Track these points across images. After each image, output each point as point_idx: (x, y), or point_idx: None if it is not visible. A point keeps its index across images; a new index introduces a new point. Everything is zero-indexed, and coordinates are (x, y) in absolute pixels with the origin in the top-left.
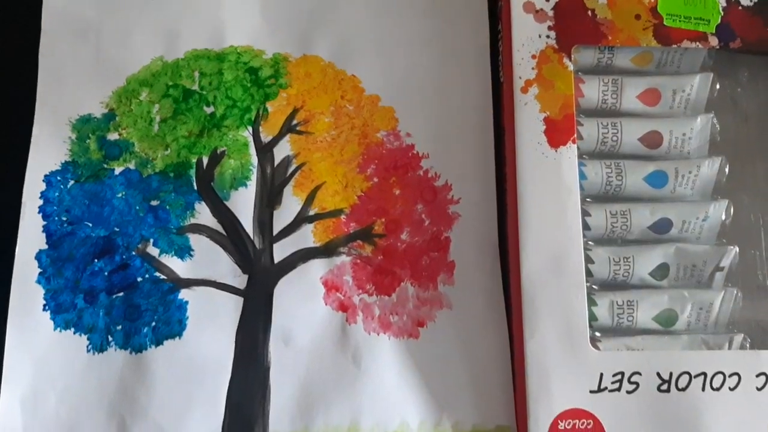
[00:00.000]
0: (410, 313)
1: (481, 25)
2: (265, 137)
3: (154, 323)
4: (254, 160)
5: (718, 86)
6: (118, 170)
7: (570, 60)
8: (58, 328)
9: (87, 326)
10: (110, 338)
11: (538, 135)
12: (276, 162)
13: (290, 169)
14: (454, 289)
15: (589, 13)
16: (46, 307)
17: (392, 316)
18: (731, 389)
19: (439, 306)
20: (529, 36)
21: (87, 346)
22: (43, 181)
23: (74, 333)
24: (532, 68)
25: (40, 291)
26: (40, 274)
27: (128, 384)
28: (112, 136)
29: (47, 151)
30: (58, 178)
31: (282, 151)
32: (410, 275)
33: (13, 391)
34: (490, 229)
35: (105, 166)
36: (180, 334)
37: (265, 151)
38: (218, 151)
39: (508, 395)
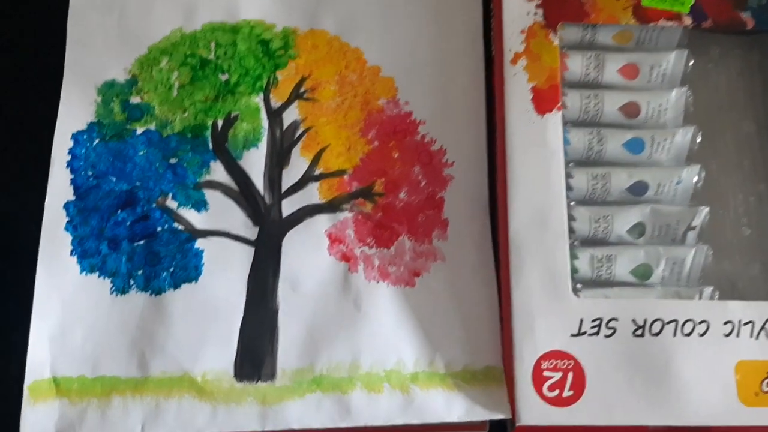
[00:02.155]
0: (407, 264)
1: (475, 2)
2: (275, 103)
3: (172, 269)
4: (265, 123)
5: (692, 62)
6: (139, 131)
7: (556, 35)
8: (84, 272)
9: (110, 270)
10: (131, 282)
11: (526, 103)
12: (285, 126)
13: (298, 133)
14: (447, 244)
15: None
16: (73, 252)
17: (390, 267)
18: (700, 335)
19: (434, 258)
20: (519, 13)
21: (110, 289)
22: (71, 138)
23: (99, 276)
24: (521, 42)
25: (68, 237)
26: (68, 222)
27: (148, 323)
28: (135, 100)
29: (75, 112)
30: (85, 136)
31: (290, 115)
32: (407, 230)
33: (42, 328)
34: (481, 190)
35: (128, 126)
36: (196, 279)
37: (275, 115)
38: (232, 115)
39: (496, 339)
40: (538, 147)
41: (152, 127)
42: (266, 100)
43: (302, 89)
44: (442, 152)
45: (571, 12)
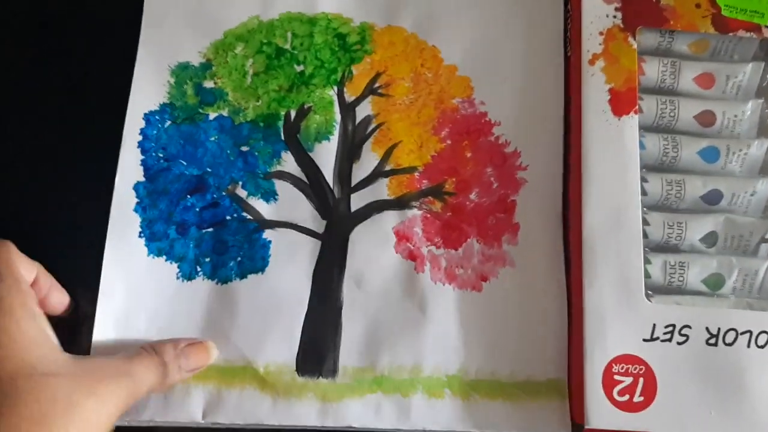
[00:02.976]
0: (475, 268)
1: (557, 4)
2: (349, 97)
3: (239, 258)
4: (338, 117)
5: None
6: (212, 116)
7: (634, 39)
8: (152, 255)
9: (178, 255)
10: (198, 268)
11: (603, 104)
12: (357, 120)
13: (370, 128)
14: (517, 249)
15: None
16: (142, 234)
17: (458, 269)
18: None
19: (503, 263)
20: (597, 15)
21: (177, 274)
22: (143, 119)
23: (166, 260)
24: (599, 44)
25: (137, 219)
26: (137, 203)
27: (213, 311)
28: (208, 84)
29: (147, 93)
30: (157, 117)
31: (363, 110)
32: (476, 233)
33: (107, 309)
34: (555, 195)
35: (200, 110)
36: (263, 270)
37: (348, 109)
38: (305, 107)
39: (562, 351)
40: (614, 149)
41: (225, 113)
42: (340, 94)
43: (376, 85)
44: (517, 155)
45: (651, 17)
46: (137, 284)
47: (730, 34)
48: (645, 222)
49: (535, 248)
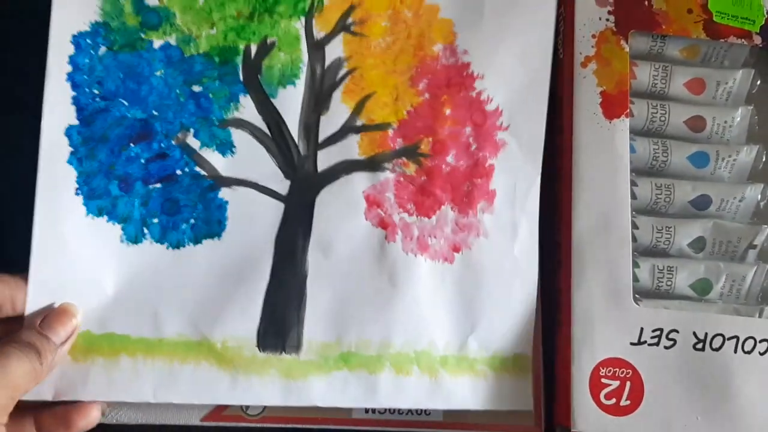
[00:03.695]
0: (447, 238)
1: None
2: (318, 33)
3: (193, 221)
4: (305, 57)
5: (758, 82)
6: (157, 43)
7: (626, 43)
8: (91, 214)
9: (121, 215)
10: (145, 230)
11: (595, 106)
12: (327, 62)
13: (341, 73)
14: (492, 218)
15: (646, 2)
16: (79, 192)
17: (430, 238)
18: (761, 354)
19: (476, 234)
20: (590, 17)
21: (121, 236)
22: (71, 42)
23: (108, 221)
24: (592, 46)
25: (72, 173)
26: (71, 153)
27: (164, 279)
28: (151, 2)
29: (74, 6)
30: (88, 41)
31: (334, 51)
32: (451, 199)
33: (41, 276)
34: (535, 162)
35: (142, 36)
36: (219, 235)
37: (316, 48)
38: (268, 41)
39: (529, 328)
40: (604, 152)
41: (172, 41)
42: (308, 28)
43: (350, 20)
44: (498, 113)
45: (643, 21)
46: (75, 248)
47: (722, 40)
48: (634, 226)
49: (510, 218)
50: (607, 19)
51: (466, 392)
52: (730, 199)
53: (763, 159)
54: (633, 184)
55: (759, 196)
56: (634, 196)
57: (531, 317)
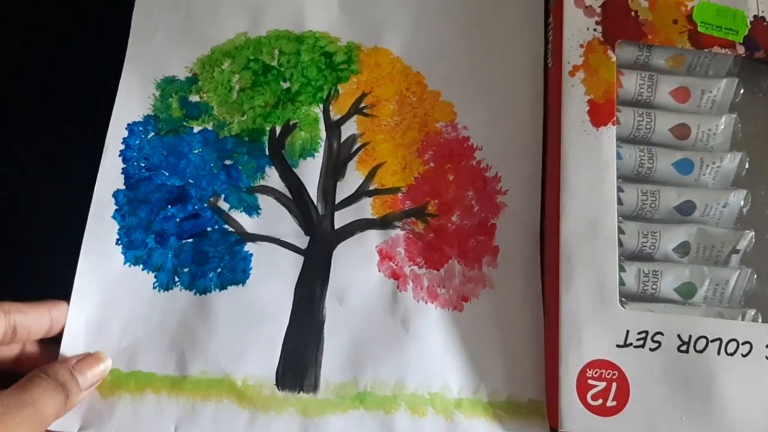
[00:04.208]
0: (456, 288)
1: (537, 33)
2: (334, 115)
3: (219, 269)
4: (323, 134)
5: (742, 91)
6: (196, 129)
7: (613, 53)
8: (128, 263)
9: (155, 265)
10: (176, 278)
11: (582, 114)
12: (342, 138)
13: (355, 147)
14: (496, 271)
15: (633, 13)
16: (119, 242)
17: (440, 289)
18: (743, 356)
19: (483, 285)
20: (579, 28)
21: (153, 284)
22: (126, 128)
23: (143, 270)
24: (580, 56)
25: (115, 226)
26: (116, 210)
27: (191, 322)
28: (194, 98)
29: (132, 104)
30: (140, 128)
31: (348, 129)
32: (458, 254)
33: (79, 316)
34: (533, 220)
35: (185, 123)
36: (243, 282)
37: (333, 127)
38: (291, 123)
39: (540, 373)
40: (592, 158)
41: (209, 126)
42: (326, 112)
43: (362, 104)
44: (497, 179)
45: (629, 31)
46: (111, 292)
47: (706, 50)
48: (620, 231)
49: (514, 271)
50: (595, 30)
51: None
52: (714, 204)
53: (746, 166)
54: (619, 190)
55: (742, 202)
56: (620, 202)
57: (541, 363)
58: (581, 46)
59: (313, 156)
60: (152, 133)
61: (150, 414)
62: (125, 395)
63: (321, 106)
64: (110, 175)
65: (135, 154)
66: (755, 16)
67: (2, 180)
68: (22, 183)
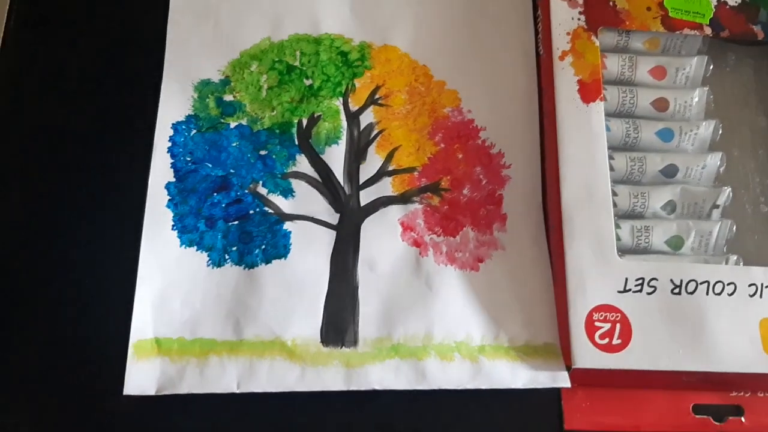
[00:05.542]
0: (471, 252)
1: (527, 25)
2: (353, 107)
3: (263, 246)
4: (344, 124)
5: (711, 66)
6: (232, 125)
7: (596, 38)
8: (184, 245)
9: (207, 246)
10: (227, 256)
11: (573, 93)
12: (362, 127)
13: (373, 133)
14: (506, 235)
15: (611, 3)
16: (174, 227)
17: (457, 253)
18: (729, 295)
19: (495, 248)
20: (564, 18)
21: (207, 262)
22: (171, 128)
23: (197, 250)
24: (567, 42)
25: (169, 214)
26: (169, 200)
27: (242, 293)
28: (228, 98)
29: (174, 106)
30: (183, 127)
31: (366, 118)
32: (471, 222)
33: (145, 293)
34: (535, 189)
35: (222, 120)
36: (285, 256)
37: (353, 117)
38: (315, 115)
39: (552, 319)
40: (584, 132)
41: (244, 122)
42: (345, 104)
43: (377, 96)
44: (501, 155)
45: (609, 19)
46: (171, 272)
47: (677, 32)
48: (613, 194)
49: (521, 234)
50: (579, 18)
51: (506, 374)
52: (694, 167)
53: (720, 131)
54: (610, 158)
55: (719, 163)
56: (612, 169)
57: (552, 311)
58: (568, 33)
59: (337, 143)
60: (194, 131)
61: (215, 374)
62: (192, 359)
63: (341, 99)
64: (161, 170)
65: (181, 150)
66: (718, 1)
67: (74, 183)
68: (83, 186)
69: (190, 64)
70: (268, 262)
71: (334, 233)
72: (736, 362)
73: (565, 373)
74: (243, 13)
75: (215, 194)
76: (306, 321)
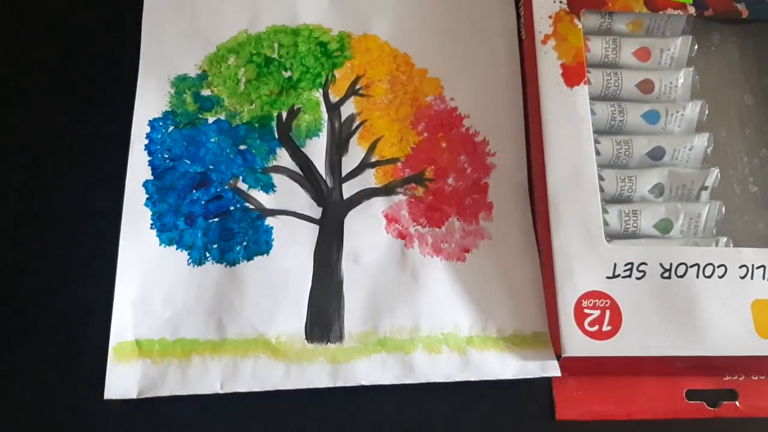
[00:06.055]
0: (457, 242)
1: (509, 9)
2: (334, 98)
3: (245, 243)
4: (325, 116)
5: (696, 46)
6: (210, 120)
7: (579, 21)
8: (163, 244)
9: (187, 244)
10: (207, 254)
11: (557, 77)
12: (343, 118)
13: (354, 124)
14: (492, 224)
15: None
16: (153, 226)
17: (443, 244)
18: (720, 277)
19: (481, 237)
20: (546, 1)
21: (187, 260)
22: (148, 125)
23: (176, 249)
24: (549, 26)
25: (148, 213)
26: (147, 199)
27: (224, 291)
28: (205, 92)
29: (150, 102)
30: (160, 123)
31: (347, 109)
32: (456, 212)
33: (124, 295)
34: (521, 175)
35: (200, 116)
36: (267, 252)
37: (333, 108)
38: (295, 108)
39: (541, 308)
40: (568, 116)
41: (222, 117)
42: (325, 95)
43: (357, 86)
44: (485, 143)
45: (591, 1)
46: (151, 272)
47: (661, 12)
48: (600, 178)
49: (508, 222)
50: (561, 1)
51: (494, 365)
52: (681, 148)
53: (706, 112)
54: (596, 142)
55: (706, 143)
56: (598, 153)
57: (541, 300)
58: (550, 17)
59: (318, 135)
60: (171, 127)
61: (197, 374)
62: (174, 360)
63: (321, 90)
64: (138, 168)
65: (158, 147)
66: None
67: (48, 182)
68: (57, 185)
69: (167, 58)
70: (250, 258)
71: (317, 227)
72: (729, 345)
73: (555, 362)
74: (219, 5)
75: (194, 191)
76: (290, 318)
